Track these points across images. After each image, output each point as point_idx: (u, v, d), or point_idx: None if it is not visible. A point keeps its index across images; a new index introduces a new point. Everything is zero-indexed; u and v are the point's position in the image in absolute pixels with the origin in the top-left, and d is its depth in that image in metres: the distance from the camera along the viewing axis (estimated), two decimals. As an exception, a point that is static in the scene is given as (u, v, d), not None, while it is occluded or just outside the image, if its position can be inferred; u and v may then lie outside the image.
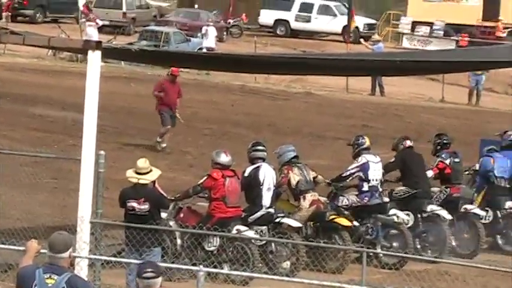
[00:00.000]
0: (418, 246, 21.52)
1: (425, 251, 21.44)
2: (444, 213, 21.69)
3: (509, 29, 66.02)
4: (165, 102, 30.52)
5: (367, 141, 21.87)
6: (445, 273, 19.48)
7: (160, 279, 10.82)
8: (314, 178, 21.06)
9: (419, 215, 21.69)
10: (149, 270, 10.82)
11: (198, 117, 38.06)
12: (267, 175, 19.98)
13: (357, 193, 21.41)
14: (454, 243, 21.86)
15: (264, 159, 20.13)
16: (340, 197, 21.34)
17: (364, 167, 21.46)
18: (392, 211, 21.40)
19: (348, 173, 21.61)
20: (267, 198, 19.85)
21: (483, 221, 22.54)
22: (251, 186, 19.77)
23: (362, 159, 21.56)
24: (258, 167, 19.95)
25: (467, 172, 23.85)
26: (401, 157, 22.17)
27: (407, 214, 21.58)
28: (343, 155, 24.17)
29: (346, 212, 20.88)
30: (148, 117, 36.40)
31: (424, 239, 21.70)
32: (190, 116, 38.51)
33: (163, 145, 30.01)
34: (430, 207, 21.76)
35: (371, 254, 18.45)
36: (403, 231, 21.23)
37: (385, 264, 20.31)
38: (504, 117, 37.81)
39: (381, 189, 21.63)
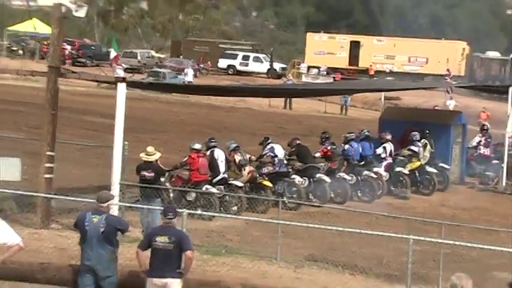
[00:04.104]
0: (311, 197, 21.62)
1: (314, 201, 21.46)
2: (326, 178, 21.85)
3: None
4: None
5: (270, 138, 22.28)
6: (327, 213, 19.60)
7: (176, 219, 10.59)
8: (249, 158, 21.16)
9: (311, 179, 21.84)
10: (170, 212, 10.82)
11: (183, 123, 38.02)
12: (220, 154, 19.98)
13: (271, 165, 21.47)
14: (332, 195, 21.98)
15: (215, 147, 20.10)
16: (263, 168, 21.32)
17: (271, 149, 21.73)
18: (293, 176, 21.55)
19: (264, 152, 21.85)
20: (222, 167, 19.87)
21: (350, 182, 22.83)
22: (211, 161, 19.71)
23: (269, 145, 21.89)
24: (213, 150, 19.91)
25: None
26: (297, 149, 22.38)
27: (304, 179, 21.78)
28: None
29: (266, 177, 20.88)
30: (153, 122, 36.35)
31: (314, 193, 21.77)
32: (179, 122, 38.53)
33: None
34: (318, 175, 21.91)
35: (282, 201, 18.51)
36: (299, 188, 21.34)
37: (289, 208, 20.19)
38: (362, 122, 38.19)
39: (286, 162, 21.78)
